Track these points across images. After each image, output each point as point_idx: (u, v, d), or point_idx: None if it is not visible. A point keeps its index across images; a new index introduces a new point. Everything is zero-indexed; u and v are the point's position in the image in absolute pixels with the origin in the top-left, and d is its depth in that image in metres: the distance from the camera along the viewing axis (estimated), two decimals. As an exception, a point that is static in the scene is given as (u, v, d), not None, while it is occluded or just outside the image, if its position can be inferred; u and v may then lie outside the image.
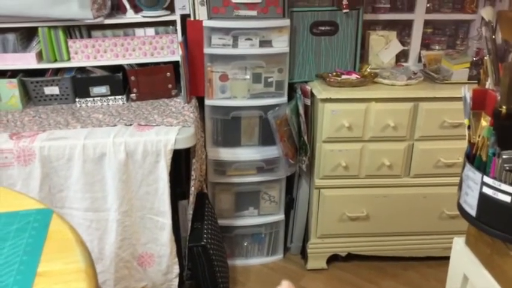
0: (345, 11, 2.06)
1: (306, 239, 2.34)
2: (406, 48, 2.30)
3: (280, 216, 2.33)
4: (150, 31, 2.02)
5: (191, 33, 2.02)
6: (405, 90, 2.05)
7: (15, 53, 1.94)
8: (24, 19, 1.85)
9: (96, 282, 0.88)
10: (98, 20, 1.92)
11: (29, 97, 2.00)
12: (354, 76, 2.11)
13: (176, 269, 1.87)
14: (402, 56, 2.32)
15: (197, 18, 1.99)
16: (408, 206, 2.19)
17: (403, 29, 2.32)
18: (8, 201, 1.12)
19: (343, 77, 2.11)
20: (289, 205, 2.36)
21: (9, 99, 1.93)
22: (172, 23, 2.02)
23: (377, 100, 2.02)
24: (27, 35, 2.00)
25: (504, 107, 0.96)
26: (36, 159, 1.65)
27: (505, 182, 0.95)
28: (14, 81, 1.92)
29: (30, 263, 0.89)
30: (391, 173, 2.13)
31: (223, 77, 2.09)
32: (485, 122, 1.00)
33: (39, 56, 1.96)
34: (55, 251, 0.93)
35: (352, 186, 2.15)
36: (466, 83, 2.00)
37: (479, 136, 1.02)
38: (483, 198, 0.99)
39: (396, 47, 2.25)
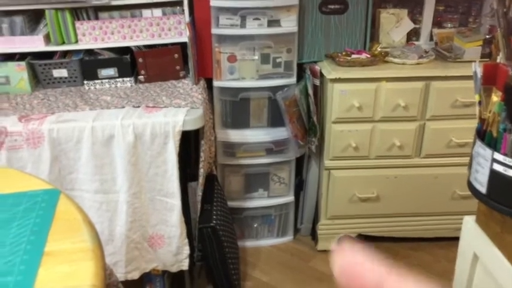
0: (354, -12, 2.03)
1: (315, 220, 2.34)
2: (417, 26, 2.26)
3: (290, 198, 2.32)
4: (157, 12, 2.01)
5: (198, 14, 2.00)
6: (416, 69, 2.02)
7: (23, 35, 1.94)
8: (31, 1, 1.85)
9: (103, 261, 0.88)
10: (105, 1, 1.90)
11: (38, 80, 2.00)
12: (364, 55, 2.07)
13: (186, 250, 1.88)
14: (413, 35, 2.27)
15: (204, -2, 1.97)
16: (419, 187, 2.17)
17: (414, 7, 2.27)
18: (16, 182, 1.13)
19: (353, 56, 2.08)
20: (299, 186, 2.35)
21: (18, 82, 1.93)
22: (180, 3, 2.00)
23: (387, 79, 1.99)
24: (34, 18, 1.99)
25: (516, 82, 0.93)
26: (46, 142, 1.66)
27: (516, 159, 0.93)
28: (23, 64, 1.92)
29: (37, 242, 0.89)
30: (402, 153, 2.10)
31: (232, 58, 2.07)
32: (496, 98, 0.98)
33: (47, 39, 1.95)
34: (62, 230, 0.93)
35: (362, 167, 2.13)
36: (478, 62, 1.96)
37: (490, 112, 1.00)
38: (494, 175, 0.97)
39: (407, 25, 2.21)
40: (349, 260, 0.32)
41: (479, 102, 1.03)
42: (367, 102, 2.01)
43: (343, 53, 2.10)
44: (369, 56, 2.07)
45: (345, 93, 1.99)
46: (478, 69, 1.02)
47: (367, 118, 2.04)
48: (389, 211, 2.22)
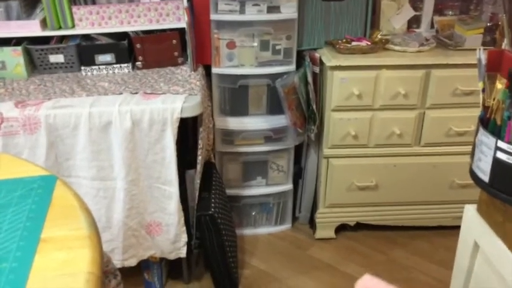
0: (355, -26, 2.00)
1: (314, 208, 2.33)
2: (418, 13, 2.23)
3: (289, 186, 2.31)
4: (155, -3, 1.98)
5: (197, -1, 1.97)
6: (417, 57, 2.00)
7: (19, 20, 1.91)
8: (26, -15, 1.82)
9: (100, 248, 0.87)
10: (102, -14, 1.87)
11: (34, 65, 1.97)
12: (364, 43, 2.05)
13: (184, 238, 1.87)
14: (414, 22, 2.24)
15: (203, -17, 1.94)
16: (418, 175, 2.16)
17: (415, -6, 2.25)
18: (12, 168, 1.11)
19: (353, 43, 2.05)
20: (298, 175, 2.34)
21: (14, 67, 1.91)
22: (178, -12, 1.97)
23: (388, 67, 1.97)
24: (30, 2, 1.96)
25: (521, 68, 0.91)
26: (42, 128, 1.64)
27: (520, 147, 0.91)
28: (19, 49, 1.89)
29: (33, 229, 0.88)
30: (401, 141, 2.09)
31: (231, 44, 2.04)
32: (500, 85, 0.96)
33: (44, 24, 1.92)
34: (59, 217, 0.92)
35: (361, 155, 2.12)
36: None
37: (494, 99, 0.98)
38: (497, 164, 0.96)
39: (408, 12, 2.18)
40: None
41: (483, 90, 1.02)
42: (367, 90, 2.00)
43: (343, 40, 2.08)
44: (369, 43, 2.05)
45: (345, 81, 1.97)
46: (482, 56, 1.00)
47: (367, 106, 2.03)
48: (388, 199, 2.21)
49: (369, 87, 1.99)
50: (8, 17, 1.92)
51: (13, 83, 1.88)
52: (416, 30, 2.23)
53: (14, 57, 1.90)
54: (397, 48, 2.05)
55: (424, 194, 2.21)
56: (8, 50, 1.90)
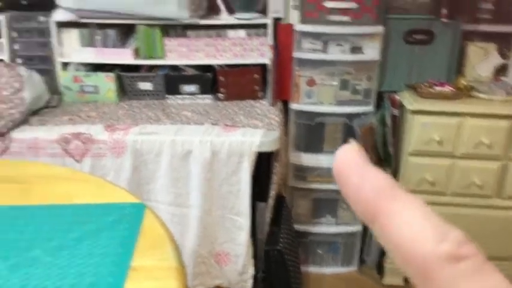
0: (443, 20, 1.98)
1: (383, 252, 2.27)
2: (506, 61, 2.16)
3: (358, 227, 2.27)
4: (242, 33, 2.05)
5: (282, 37, 2.02)
6: (503, 106, 1.93)
7: (114, 48, 2.04)
8: (125, 16, 1.94)
9: (185, 280, 0.89)
10: (194, 21, 1.97)
11: (124, 91, 2.09)
12: (447, 88, 2.01)
13: (251, 270, 1.88)
14: (501, 70, 2.18)
15: (289, 21, 1.99)
16: (498, 229, 2.06)
17: (503, 41, 2.18)
18: (103, 192, 1.17)
19: (436, 88, 2.02)
20: (368, 216, 2.30)
21: (106, 91, 2.03)
22: (264, 25, 2.03)
23: (472, 115, 1.91)
24: (126, 32, 2.09)
25: None
26: (128, 152, 1.72)
27: None
28: (111, 75, 2.02)
29: (124, 256, 0.92)
30: (481, 192, 2.01)
31: (311, 82, 2.07)
32: None
33: (136, 52, 2.04)
34: (147, 246, 0.96)
35: (437, 203, 2.05)
36: None
37: None
38: None
39: (495, 59, 2.13)
40: (355, 158, 0.26)
41: None
42: (448, 137, 1.94)
43: (426, 85, 2.05)
44: (453, 89, 2.01)
45: (426, 126, 1.93)
46: None
47: (447, 153, 1.97)
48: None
49: (450, 134, 1.94)
50: (105, 45, 2.05)
51: (104, 106, 2.00)
52: (504, 78, 2.16)
53: (107, 82, 2.03)
54: (482, 96, 1.99)
55: (504, 249, 2.09)
56: (101, 75, 2.03)
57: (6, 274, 0.86)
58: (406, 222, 0.23)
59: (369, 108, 2.09)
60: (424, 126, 1.94)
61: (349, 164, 0.26)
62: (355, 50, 2.01)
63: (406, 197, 0.24)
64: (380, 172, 0.25)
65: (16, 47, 2.04)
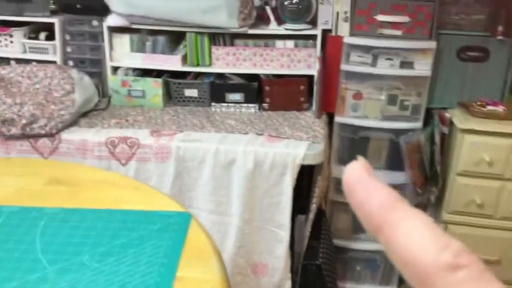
0: (499, 37, 1.91)
1: (424, 273, 2.20)
2: None
3: (399, 246, 2.21)
4: (290, 43, 2.04)
5: (330, 49, 2.00)
6: (560, 129, 1.84)
7: (163, 54, 2.06)
8: (175, 24, 1.96)
9: (229, 295, 0.88)
10: (242, 30, 1.97)
11: (170, 97, 2.11)
12: (500, 108, 1.94)
13: (288, 284, 1.85)
14: (559, 91, 2.09)
15: (338, 34, 1.97)
16: (548, 258, 1.97)
17: None
18: (150, 199, 1.18)
19: (489, 107, 1.95)
20: (410, 235, 2.23)
21: (152, 96, 2.05)
22: (313, 37, 2.01)
23: (526, 137, 1.84)
24: (175, 38, 2.11)
25: None
26: (172, 158, 1.73)
27: None
28: (159, 81, 2.04)
29: (169, 266, 0.92)
30: (533, 218, 1.92)
31: (357, 96, 2.04)
32: None
33: (184, 59, 2.06)
34: (193, 257, 0.95)
35: (485, 226, 1.98)
36: None
37: None
38: None
39: (553, 80, 2.04)
40: (362, 173, 0.27)
41: None
42: (499, 158, 1.87)
43: (478, 103, 1.98)
44: (506, 109, 1.93)
45: (476, 146, 1.87)
46: None
47: (497, 175, 1.90)
48: (511, 278, 2.03)
49: (501, 156, 1.87)
50: (154, 51, 2.08)
51: (150, 111, 2.02)
52: (561, 99, 2.07)
53: (154, 87, 2.05)
54: (537, 117, 1.91)
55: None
56: (149, 80, 2.05)
57: (53, 278, 0.87)
58: (409, 233, 0.25)
59: (417, 124, 2.03)
60: (473, 145, 1.88)
61: (356, 179, 0.27)
62: (406, 64, 1.96)
63: (409, 210, 0.26)
64: (385, 187, 0.27)
65: (68, 49, 2.09)
